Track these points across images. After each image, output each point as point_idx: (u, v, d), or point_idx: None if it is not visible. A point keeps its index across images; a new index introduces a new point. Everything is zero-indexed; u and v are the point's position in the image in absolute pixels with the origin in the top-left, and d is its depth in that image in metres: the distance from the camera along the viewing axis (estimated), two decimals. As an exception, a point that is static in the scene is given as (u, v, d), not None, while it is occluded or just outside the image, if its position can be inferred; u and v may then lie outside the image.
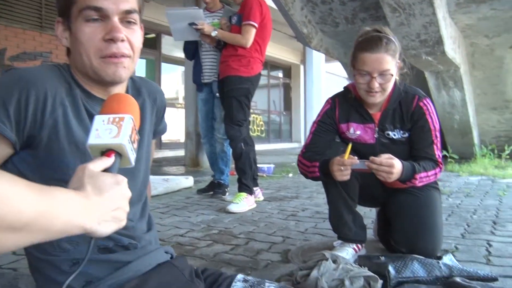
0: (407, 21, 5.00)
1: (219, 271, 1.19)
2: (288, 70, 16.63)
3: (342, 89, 2.05)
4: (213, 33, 3.54)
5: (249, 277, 1.14)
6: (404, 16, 4.94)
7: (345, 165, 1.72)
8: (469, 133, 7.44)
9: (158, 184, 4.25)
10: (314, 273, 1.45)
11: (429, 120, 1.88)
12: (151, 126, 1.21)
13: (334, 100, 2.01)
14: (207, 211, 3.28)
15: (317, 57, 13.24)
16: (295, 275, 1.53)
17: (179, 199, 3.88)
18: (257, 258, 2.07)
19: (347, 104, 1.98)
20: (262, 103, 15.42)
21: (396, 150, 1.91)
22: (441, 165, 1.89)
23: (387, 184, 2.03)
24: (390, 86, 1.82)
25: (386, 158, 1.71)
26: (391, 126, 1.92)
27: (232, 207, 3.24)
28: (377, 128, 1.93)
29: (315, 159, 1.90)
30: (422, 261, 1.65)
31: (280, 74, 16.59)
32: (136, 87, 1.17)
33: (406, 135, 1.92)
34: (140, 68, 11.05)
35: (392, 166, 1.70)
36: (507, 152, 7.15)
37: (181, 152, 8.36)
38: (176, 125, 10.99)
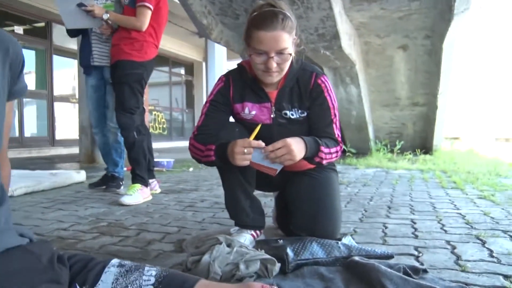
0: (305, 14, 5.06)
1: (90, 256, 0.99)
2: (190, 67, 16.37)
3: (236, 66, 1.91)
4: (105, 16, 3.24)
5: (126, 262, 0.95)
6: (302, 9, 4.99)
7: (250, 147, 1.57)
8: (365, 128, 7.81)
9: (44, 178, 3.85)
10: (206, 257, 1.30)
11: (328, 97, 1.81)
12: (4, 81, 0.97)
13: (228, 78, 1.87)
14: (97, 204, 2.99)
15: (219, 55, 13.13)
16: (186, 262, 1.36)
17: (68, 194, 3.52)
18: (148, 248, 1.87)
19: (242, 82, 1.85)
20: (164, 101, 15.02)
21: (294, 130, 1.82)
22: (341, 144, 1.83)
23: (287, 167, 1.95)
24: (287, 65, 1.72)
25: (279, 142, 1.58)
26: (288, 105, 1.82)
27: (125, 199, 2.98)
28: (273, 108, 1.82)
29: (209, 142, 1.74)
30: (321, 242, 1.58)
31: (182, 71, 16.28)
32: None
33: (304, 114, 1.83)
34: (28, 60, 10.11)
35: (289, 145, 1.57)
36: (398, 147, 7.62)
37: (76, 150, 7.81)
38: (70, 121, 10.27)
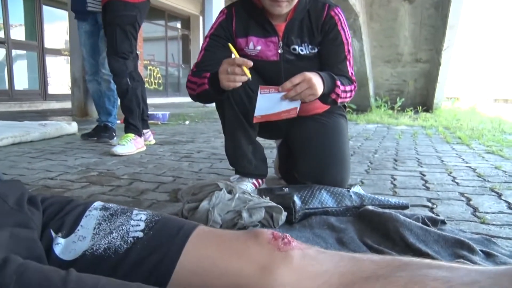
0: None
1: (68, 198, 0.84)
2: (187, 21, 15.84)
3: None
4: None
5: (111, 204, 0.80)
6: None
7: (236, 65, 1.36)
8: (365, 85, 7.61)
9: (32, 129, 3.65)
10: (204, 204, 1.16)
11: (342, 32, 1.63)
12: None
13: (231, 10, 1.68)
14: (88, 154, 2.83)
15: (216, 8, 12.64)
16: (181, 210, 1.22)
17: (58, 145, 3.35)
18: (141, 198, 1.73)
19: (246, 14, 1.66)
20: (160, 55, 14.61)
21: (303, 68, 1.63)
22: (355, 83, 1.66)
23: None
24: None
25: (297, 77, 1.40)
26: (298, 40, 1.63)
27: (118, 149, 2.82)
28: (281, 42, 1.63)
29: (200, 76, 1.56)
30: (330, 190, 1.44)
31: (179, 25, 15.77)
32: None
33: (315, 50, 1.65)
34: (16, 9, 9.69)
35: (309, 79, 1.39)
36: (398, 104, 7.45)
37: (69, 104, 7.59)
38: (63, 75, 9.97)
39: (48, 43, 9.92)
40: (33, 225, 0.72)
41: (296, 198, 1.33)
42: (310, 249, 0.72)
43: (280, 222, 1.24)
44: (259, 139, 1.83)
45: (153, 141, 3.41)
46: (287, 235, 0.73)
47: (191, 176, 2.17)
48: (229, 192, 1.25)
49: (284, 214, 1.25)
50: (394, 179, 2.11)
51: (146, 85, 13.59)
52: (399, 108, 7.40)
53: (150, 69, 13.95)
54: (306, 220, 1.31)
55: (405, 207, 1.47)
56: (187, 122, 5.43)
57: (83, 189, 1.86)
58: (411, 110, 7.23)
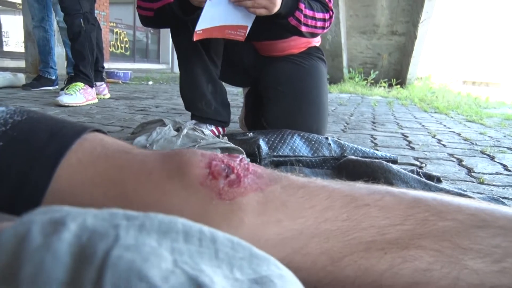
0: None
1: None
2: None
3: None
4: None
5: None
6: None
7: None
8: (339, 56, 7.35)
9: (-31, 77, 3.25)
10: (140, 139, 0.87)
11: None
12: None
13: None
14: (29, 104, 2.48)
15: None
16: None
17: (-3, 95, 2.96)
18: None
19: None
20: (127, 18, 13.92)
21: None
22: (331, 12, 1.37)
23: (263, 50, 1.50)
24: None
25: None
26: None
27: (64, 99, 2.47)
28: None
29: None
30: (305, 136, 1.17)
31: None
32: None
33: None
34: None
35: None
36: (372, 76, 7.25)
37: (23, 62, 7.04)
38: (18, 32, 9.29)
39: (3, -3, 9.21)
40: None
41: (262, 143, 1.06)
42: (277, 184, 0.44)
43: (240, 170, 0.96)
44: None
45: (108, 95, 3.07)
46: (238, 158, 0.45)
47: (143, 127, 1.87)
48: (177, 130, 0.96)
49: (247, 159, 0.98)
50: (375, 138, 1.87)
51: (112, 49, 12.97)
52: (372, 81, 7.21)
53: (117, 33, 13.31)
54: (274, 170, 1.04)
55: (394, 161, 1.22)
56: (150, 83, 5.05)
57: None
58: (385, 83, 7.05)
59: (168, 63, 14.39)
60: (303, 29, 1.27)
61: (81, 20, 2.64)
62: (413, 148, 1.68)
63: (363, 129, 2.15)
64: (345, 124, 2.27)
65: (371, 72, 7.35)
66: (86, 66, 2.71)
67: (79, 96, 2.54)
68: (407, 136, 1.98)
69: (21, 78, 3.71)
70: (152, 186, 0.42)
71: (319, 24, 1.31)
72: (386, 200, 0.44)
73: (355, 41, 7.83)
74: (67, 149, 0.41)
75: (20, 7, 9.52)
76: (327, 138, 1.18)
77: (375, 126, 2.28)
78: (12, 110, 0.45)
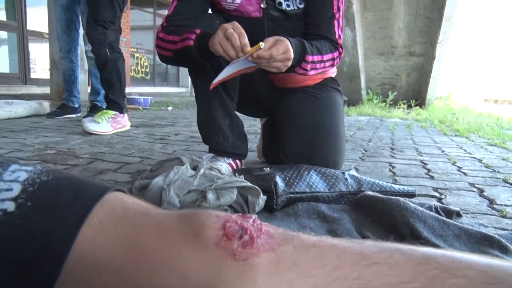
0: None
1: None
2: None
3: None
4: None
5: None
6: None
7: (236, 32, 1.11)
8: (357, 77, 7.36)
9: (-3, 107, 3.35)
10: (158, 180, 0.88)
11: None
12: None
13: None
14: (53, 134, 2.54)
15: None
16: (130, 188, 0.95)
17: (22, 124, 3.05)
18: (97, 178, 1.45)
19: None
20: (147, 43, 14.22)
21: (290, 28, 1.38)
22: (341, 49, 1.39)
23: (276, 82, 1.52)
24: None
25: (274, 46, 1.14)
26: None
27: (90, 126, 2.53)
28: None
29: (186, 31, 1.27)
30: (321, 171, 1.17)
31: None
32: None
33: (303, 5, 1.38)
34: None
35: (288, 50, 1.15)
36: (390, 98, 7.21)
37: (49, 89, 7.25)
38: (44, 59, 9.57)
39: (31, 25, 9.52)
40: None
41: (278, 179, 1.07)
42: (289, 244, 0.45)
43: (257, 208, 0.97)
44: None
45: (129, 124, 3.11)
46: (251, 219, 0.46)
47: (162, 157, 1.89)
48: (194, 168, 0.98)
49: (263, 198, 0.99)
50: (393, 167, 1.85)
51: (133, 73, 13.24)
52: (391, 102, 7.17)
53: (138, 58, 13.62)
54: (291, 206, 1.05)
55: (411, 195, 1.21)
56: (169, 108, 5.13)
57: (29, 168, 1.58)
58: (404, 104, 7.00)
59: (187, 86, 14.61)
60: (311, 73, 1.30)
61: (107, 49, 2.72)
62: (432, 177, 1.66)
63: (381, 156, 2.14)
64: (363, 152, 2.27)
65: (390, 93, 7.32)
66: (115, 93, 2.81)
67: (106, 124, 2.63)
68: (426, 164, 1.96)
69: (46, 106, 3.82)
70: (170, 246, 0.43)
71: (327, 64, 1.34)
72: (396, 257, 0.44)
73: (373, 62, 7.83)
74: (90, 211, 0.43)
75: (47, 36, 9.84)
76: (343, 173, 1.18)
77: (393, 153, 2.27)
78: (39, 170, 0.47)
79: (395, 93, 7.45)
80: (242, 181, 0.96)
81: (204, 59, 1.24)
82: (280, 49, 1.14)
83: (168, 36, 1.32)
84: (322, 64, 1.32)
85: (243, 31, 1.12)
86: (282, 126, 1.47)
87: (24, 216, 0.42)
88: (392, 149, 2.43)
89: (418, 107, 7.09)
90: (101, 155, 1.88)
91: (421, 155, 2.22)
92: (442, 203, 1.28)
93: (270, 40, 1.16)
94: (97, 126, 2.57)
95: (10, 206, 0.43)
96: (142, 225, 0.44)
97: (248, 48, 1.10)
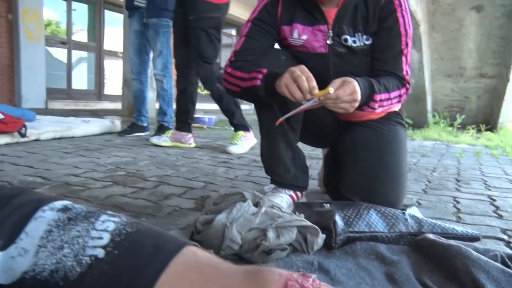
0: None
1: (22, 189, 0.61)
2: (241, 28, 15.87)
3: None
4: None
5: (77, 205, 0.59)
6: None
7: (304, 75, 1.15)
8: (423, 99, 7.17)
9: (74, 125, 3.61)
10: (221, 217, 0.93)
11: (400, 19, 1.36)
12: None
13: None
14: (123, 153, 2.70)
15: None
16: (195, 221, 1.01)
17: (96, 142, 3.26)
18: (163, 203, 1.53)
19: None
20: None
21: (356, 63, 1.41)
22: (408, 85, 1.39)
23: (340, 115, 1.54)
24: None
25: (341, 87, 1.17)
26: (350, 29, 1.39)
27: (232, 148, 2.92)
28: (330, 32, 1.39)
29: (254, 70, 1.34)
30: (381, 211, 1.17)
31: (234, 32, 15.79)
32: None
33: (370, 41, 1.40)
34: (81, 14, 10.02)
35: (355, 92, 1.18)
36: (458, 121, 6.94)
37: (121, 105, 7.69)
38: (118, 76, 10.15)
39: (107, 45, 10.15)
40: None
41: (338, 218, 1.09)
42: None
43: (315, 247, 0.99)
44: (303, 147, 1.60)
45: (193, 145, 3.25)
46: (311, 279, 0.49)
47: (225, 183, 1.96)
48: (256, 204, 1.03)
49: (322, 236, 1.01)
50: (458, 202, 1.80)
51: (199, 90, 13.70)
52: (459, 126, 6.89)
53: (203, 75, 14.01)
54: (349, 246, 1.06)
55: (475, 239, 1.18)
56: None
57: (103, 189, 1.70)
58: (473, 128, 6.71)
59: (250, 103, 14.82)
60: (379, 110, 1.32)
61: (218, 84, 2.95)
62: (501, 216, 1.60)
63: (445, 189, 2.08)
64: (427, 183, 2.21)
65: (458, 116, 7.05)
66: (238, 117, 3.09)
67: (243, 143, 2.98)
68: (494, 200, 1.88)
69: (117, 125, 4.06)
70: None
71: (394, 101, 1.35)
72: None
73: (440, 84, 7.60)
74: (167, 264, 0.48)
75: (120, 55, 10.45)
76: (403, 213, 1.18)
77: (459, 185, 2.20)
78: (125, 222, 0.54)
79: (464, 116, 7.16)
80: (302, 220, 0.99)
81: (271, 98, 1.29)
82: (347, 90, 1.16)
83: (235, 71, 1.39)
84: (389, 102, 1.33)
85: (310, 74, 1.16)
86: (344, 159, 1.48)
87: (112, 263, 0.49)
88: (458, 180, 2.35)
89: (488, 132, 6.77)
90: (167, 178, 1.98)
91: (489, 189, 2.14)
92: (510, 247, 1.24)
93: (337, 81, 1.18)
94: (237, 147, 2.95)
95: (100, 253, 0.50)
96: (212, 278, 0.49)
97: (316, 91, 1.14)
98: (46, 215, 0.54)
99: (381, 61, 1.39)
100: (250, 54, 1.42)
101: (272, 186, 1.50)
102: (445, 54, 7.08)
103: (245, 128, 3.10)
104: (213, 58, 2.96)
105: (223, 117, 6.72)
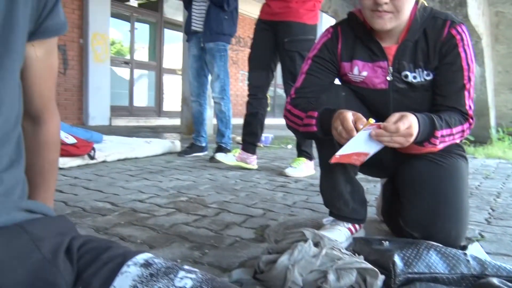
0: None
1: (108, 242, 0.69)
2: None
3: (347, 16, 1.53)
4: None
5: (157, 260, 0.65)
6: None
7: (359, 124, 1.19)
8: (485, 114, 6.87)
9: (138, 146, 3.81)
10: (283, 260, 0.98)
11: (462, 54, 1.36)
12: (26, 11, 0.72)
13: (336, 29, 1.50)
14: (184, 176, 2.82)
15: (326, 26, 12.56)
16: (258, 262, 1.06)
17: (158, 163, 3.42)
18: (224, 233, 1.60)
19: (352, 34, 1.47)
20: (270, 77, 14.82)
21: (417, 98, 1.42)
22: (471, 120, 1.39)
23: (401, 148, 1.55)
24: (406, 4, 1.30)
25: (399, 121, 1.19)
26: (410, 65, 1.40)
27: (289, 171, 2.99)
28: (391, 68, 1.41)
29: (311, 108, 1.40)
30: (442, 251, 1.17)
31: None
32: None
33: (430, 76, 1.40)
34: (142, 32, 10.53)
35: (412, 126, 1.20)
36: (526, 137, 6.60)
37: (179, 121, 7.97)
38: (176, 93, 10.51)
39: (165, 63, 10.56)
40: (60, 281, 0.59)
41: (397, 258, 1.10)
42: None
43: (375, 288, 1.01)
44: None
45: (256, 166, 3.35)
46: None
47: (283, 210, 2.01)
48: (316, 244, 1.06)
49: (381, 277, 1.03)
50: (525, 235, 1.74)
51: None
52: (527, 142, 6.55)
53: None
54: (409, 286, 1.07)
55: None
56: (289, 146, 5.29)
57: (168, 216, 1.80)
58: (543, 145, 6.35)
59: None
60: (440, 146, 1.31)
61: None
62: None
63: (511, 219, 2.01)
64: (490, 211, 2.15)
65: (525, 131, 6.71)
66: (307, 145, 3.14)
67: (302, 169, 3.03)
68: None
69: (178, 145, 4.22)
70: None
71: (457, 136, 1.34)
72: None
73: (505, 98, 7.27)
74: None
75: (179, 72, 10.84)
76: (465, 254, 1.17)
77: (526, 214, 2.12)
78: (201, 279, 0.60)
79: (532, 131, 6.80)
80: (361, 261, 1.02)
81: (329, 136, 1.32)
82: (405, 124, 1.19)
83: (294, 109, 1.45)
84: (451, 137, 1.33)
85: (360, 116, 1.20)
86: (403, 192, 1.49)
87: None
88: (525, 208, 2.27)
89: (559, 148, 6.39)
90: (227, 205, 2.05)
91: (559, 219, 2.05)
92: None
93: (396, 115, 1.21)
94: (294, 171, 3.01)
95: (181, 310, 0.55)
96: None
97: (361, 126, 1.17)
98: (131, 270, 0.61)
99: (443, 96, 1.39)
100: (309, 91, 1.47)
101: (331, 218, 1.53)
102: (510, 66, 6.78)
103: (309, 156, 3.13)
104: None
105: (280, 135, 6.80)
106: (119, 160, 3.43)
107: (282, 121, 3.29)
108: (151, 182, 2.57)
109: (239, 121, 3.81)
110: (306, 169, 3.07)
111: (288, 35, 2.92)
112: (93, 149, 3.16)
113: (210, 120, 6.39)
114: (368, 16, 1.34)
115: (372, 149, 1.29)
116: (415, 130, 1.21)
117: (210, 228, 1.65)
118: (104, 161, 3.27)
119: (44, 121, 0.90)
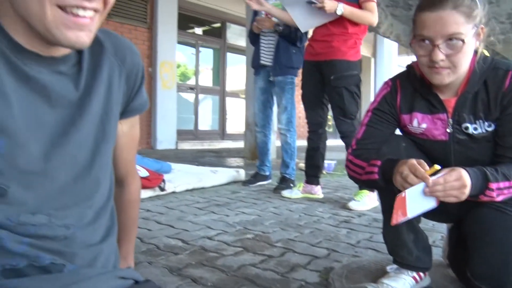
0: (496, -2, 4.29)
1: None
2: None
3: (405, 69, 1.56)
4: (339, 11, 2.92)
5: None
6: (491, -9, 4.24)
7: (421, 177, 1.22)
8: None
9: (204, 176, 3.96)
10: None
11: None
12: (119, 97, 0.84)
13: (395, 83, 1.53)
14: (249, 210, 2.91)
15: (388, 50, 12.41)
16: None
17: (224, 194, 3.54)
18: (290, 276, 1.65)
19: (411, 87, 1.49)
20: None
21: (478, 149, 1.41)
22: None
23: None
24: (463, 59, 1.30)
25: (448, 175, 1.21)
26: (470, 117, 1.40)
27: (353, 205, 3.02)
28: (450, 120, 1.42)
29: (373, 158, 1.44)
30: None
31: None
32: (97, 40, 0.79)
33: (492, 127, 1.39)
34: (206, 57, 10.95)
35: (461, 177, 1.20)
36: None
37: (242, 144, 8.16)
38: (239, 116, 10.76)
39: (228, 86, 10.87)
40: None
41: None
42: None
43: None
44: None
45: (321, 196, 3.44)
46: None
47: (347, 250, 2.03)
48: (380, 302, 1.09)
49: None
50: None
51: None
52: None
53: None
54: None
55: None
56: (352, 173, 5.26)
57: (235, 257, 1.88)
58: None
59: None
60: (499, 199, 1.29)
61: None
62: None
63: None
64: None
65: None
66: None
67: (366, 201, 3.05)
68: None
69: (242, 174, 4.34)
70: None
71: None
72: None
73: None
74: None
75: (242, 95, 11.09)
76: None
77: None
78: None
79: None
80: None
81: (391, 185, 1.35)
82: (453, 175, 1.20)
83: (356, 159, 1.49)
84: (509, 191, 1.31)
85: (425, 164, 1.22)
86: (470, 242, 1.47)
87: None
88: None
89: None
90: (292, 244, 2.10)
91: None
92: None
93: (445, 170, 1.23)
94: (358, 204, 3.03)
95: None
96: None
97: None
98: None
99: (503, 147, 1.38)
100: (370, 142, 1.50)
101: (395, 266, 1.54)
102: None
103: (371, 189, 3.12)
104: (356, 114, 3.13)
105: (341, 158, 6.76)
106: (187, 190, 3.59)
107: (341, 142, 3.33)
108: (218, 216, 2.68)
109: (302, 142, 3.85)
110: (369, 202, 3.05)
111: (333, 72, 3.01)
112: (163, 180, 3.33)
113: (273, 144, 6.50)
114: (426, 72, 1.36)
115: (427, 205, 1.29)
116: (467, 181, 1.21)
117: (276, 270, 1.71)
118: (173, 192, 3.44)
119: (128, 183, 1.02)
